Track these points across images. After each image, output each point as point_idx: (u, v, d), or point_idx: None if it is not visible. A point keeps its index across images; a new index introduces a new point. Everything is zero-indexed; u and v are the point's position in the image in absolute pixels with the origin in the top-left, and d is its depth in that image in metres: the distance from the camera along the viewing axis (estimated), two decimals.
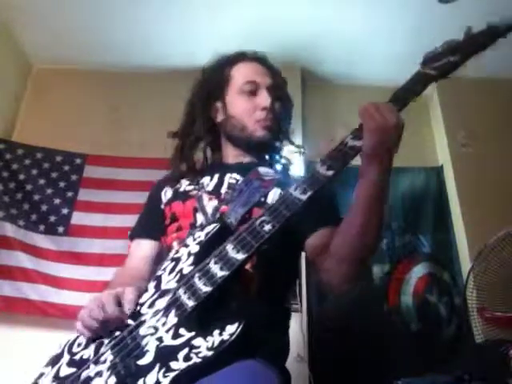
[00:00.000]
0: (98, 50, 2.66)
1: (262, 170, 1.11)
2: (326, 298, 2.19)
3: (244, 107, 1.14)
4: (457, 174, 2.48)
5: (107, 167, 2.42)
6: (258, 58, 1.21)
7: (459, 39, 0.92)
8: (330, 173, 0.85)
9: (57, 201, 2.33)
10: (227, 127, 1.16)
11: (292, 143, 1.25)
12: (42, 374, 0.87)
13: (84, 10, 2.42)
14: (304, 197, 0.83)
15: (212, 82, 1.19)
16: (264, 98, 1.13)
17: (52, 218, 2.28)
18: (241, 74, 1.17)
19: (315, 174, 0.86)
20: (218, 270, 0.82)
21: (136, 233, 1.20)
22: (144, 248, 1.15)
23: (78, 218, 2.30)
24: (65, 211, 2.30)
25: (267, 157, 1.20)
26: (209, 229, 0.93)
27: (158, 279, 0.91)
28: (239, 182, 1.07)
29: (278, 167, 1.17)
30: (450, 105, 2.64)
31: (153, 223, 1.16)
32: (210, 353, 0.74)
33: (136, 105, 2.65)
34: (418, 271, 2.31)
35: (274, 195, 1.04)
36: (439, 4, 2.25)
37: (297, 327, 2.00)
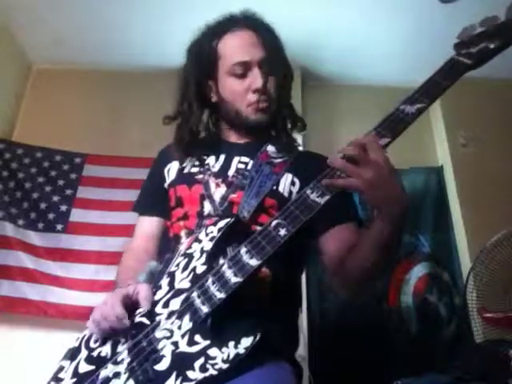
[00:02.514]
0: (98, 50, 2.65)
1: (271, 149, 1.08)
2: (327, 297, 2.19)
3: (234, 90, 1.06)
4: (457, 174, 2.47)
5: (107, 166, 2.42)
6: (248, 25, 1.11)
7: (500, 19, 0.81)
8: None
9: (55, 198, 2.32)
10: (222, 110, 1.12)
11: (294, 117, 1.17)
12: (61, 368, 0.87)
13: (83, 10, 2.41)
14: (321, 200, 0.82)
15: (201, 58, 1.10)
16: (255, 79, 1.05)
17: (50, 216, 2.27)
18: (229, 51, 1.07)
19: (334, 177, 0.83)
20: (232, 276, 0.81)
21: (140, 209, 1.18)
22: (149, 226, 1.14)
23: (77, 216, 2.29)
24: (63, 208, 2.29)
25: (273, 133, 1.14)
26: (221, 224, 0.91)
27: (172, 276, 0.90)
28: (248, 167, 1.04)
29: (287, 147, 1.11)
30: (450, 105, 2.63)
31: (157, 201, 1.13)
32: (226, 365, 0.74)
33: (136, 105, 2.65)
34: (418, 271, 2.30)
35: (285, 182, 1.02)
36: (440, 4, 2.24)
37: None
